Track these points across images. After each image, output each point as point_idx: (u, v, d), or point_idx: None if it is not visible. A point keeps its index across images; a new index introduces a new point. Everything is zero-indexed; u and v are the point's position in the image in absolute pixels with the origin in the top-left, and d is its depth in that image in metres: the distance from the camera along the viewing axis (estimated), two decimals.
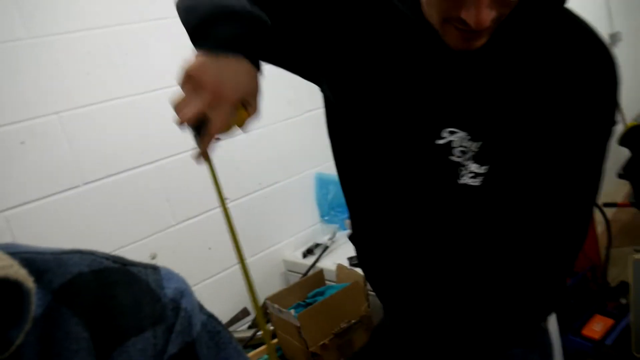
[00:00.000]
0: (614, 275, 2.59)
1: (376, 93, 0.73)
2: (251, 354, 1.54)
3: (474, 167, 0.67)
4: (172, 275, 0.35)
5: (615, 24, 3.96)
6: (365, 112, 0.75)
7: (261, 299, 1.69)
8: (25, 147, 1.39)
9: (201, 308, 0.33)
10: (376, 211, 0.83)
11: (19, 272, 0.24)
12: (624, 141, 2.63)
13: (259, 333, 1.62)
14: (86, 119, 1.48)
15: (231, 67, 0.65)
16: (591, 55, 0.65)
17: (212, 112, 0.64)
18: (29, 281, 0.24)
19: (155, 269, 0.34)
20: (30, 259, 0.25)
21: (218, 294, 1.75)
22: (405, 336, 0.87)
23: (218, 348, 0.32)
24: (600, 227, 2.63)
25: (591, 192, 0.71)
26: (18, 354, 0.24)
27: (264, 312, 1.67)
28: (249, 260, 1.85)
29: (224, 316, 1.73)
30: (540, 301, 0.76)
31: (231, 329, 1.71)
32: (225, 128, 0.67)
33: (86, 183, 1.48)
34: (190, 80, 0.64)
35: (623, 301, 2.21)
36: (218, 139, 0.67)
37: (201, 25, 0.67)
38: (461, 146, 0.67)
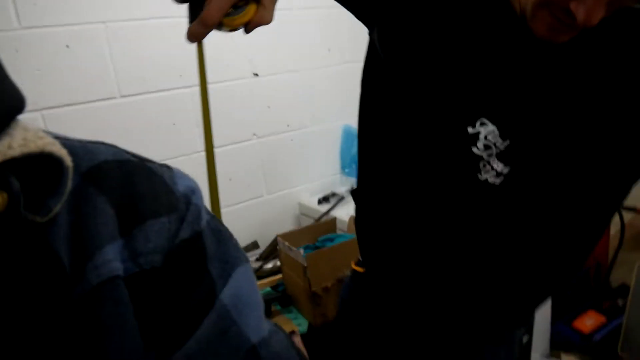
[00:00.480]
0: (616, 277, 2.61)
1: (428, 59, 0.67)
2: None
3: (499, 166, 0.64)
4: (183, 175, 0.38)
5: None
6: (409, 75, 0.69)
7: (272, 235, 1.75)
8: (69, 51, 1.42)
9: (206, 208, 0.37)
10: (387, 176, 0.78)
11: (62, 151, 0.26)
12: None
13: (266, 266, 1.69)
14: (130, 33, 1.50)
15: None
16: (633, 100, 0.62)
17: None
18: (68, 160, 0.26)
19: (169, 168, 0.36)
20: (61, 143, 0.27)
21: (231, 224, 1.80)
22: (385, 309, 0.84)
23: (219, 242, 0.35)
24: (614, 228, 2.62)
25: (612, 208, 0.69)
26: (54, 221, 0.27)
27: (274, 248, 1.74)
28: (266, 197, 1.91)
29: (242, 243, 1.81)
30: (533, 296, 0.76)
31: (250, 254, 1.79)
32: (223, 19, 0.54)
33: (123, 96, 1.52)
34: None
35: (620, 302, 2.23)
36: (211, 26, 0.54)
37: None
38: (487, 139, 0.64)
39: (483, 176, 0.64)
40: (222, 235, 0.36)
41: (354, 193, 0.89)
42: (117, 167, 0.31)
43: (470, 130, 0.63)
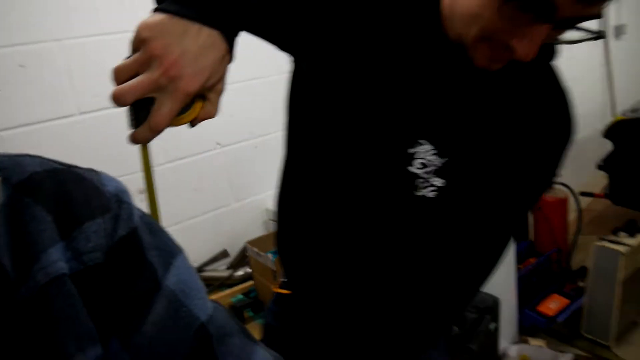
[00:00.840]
0: (577, 260, 2.72)
1: (361, 82, 0.67)
2: (227, 292, 1.64)
3: (437, 181, 0.66)
4: (110, 177, 0.39)
5: (622, 16, 3.94)
6: (345, 102, 0.68)
7: (242, 242, 1.76)
8: (24, 70, 1.40)
9: (136, 206, 0.39)
10: (313, 197, 0.76)
11: None
12: (608, 134, 2.70)
13: (236, 273, 1.71)
14: (87, 49, 1.49)
15: (201, 42, 0.51)
16: (555, 117, 0.68)
17: (161, 96, 0.50)
18: None
19: (96, 172, 0.38)
20: None
21: (200, 234, 1.82)
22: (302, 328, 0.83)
23: (153, 233, 0.38)
24: (573, 214, 2.74)
25: (506, 232, 0.73)
26: None
27: (244, 255, 1.76)
28: (233, 205, 1.92)
29: (204, 255, 1.81)
30: (429, 327, 0.78)
31: (210, 267, 1.80)
32: (172, 121, 0.52)
33: (82, 113, 1.51)
34: (144, 45, 0.50)
35: (581, 284, 2.34)
36: (160, 131, 0.52)
37: None
38: (424, 158, 0.65)
39: (420, 192, 0.66)
40: (155, 227, 0.39)
41: (277, 215, 0.86)
42: (48, 177, 0.33)
43: (410, 150, 0.65)
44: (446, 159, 0.65)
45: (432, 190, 0.66)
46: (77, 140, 1.51)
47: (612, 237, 2.11)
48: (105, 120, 1.54)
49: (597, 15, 0.52)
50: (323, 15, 0.66)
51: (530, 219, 2.78)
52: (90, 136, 1.53)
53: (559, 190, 2.71)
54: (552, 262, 2.60)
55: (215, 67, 0.53)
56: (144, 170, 0.55)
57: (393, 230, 0.71)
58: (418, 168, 0.65)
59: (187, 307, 0.37)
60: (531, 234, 2.80)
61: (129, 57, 0.51)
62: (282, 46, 0.71)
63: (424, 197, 0.66)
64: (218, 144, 1.79)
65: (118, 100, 0.49)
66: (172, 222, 1.75)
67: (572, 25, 0.53)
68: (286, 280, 0.86)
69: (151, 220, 0.39)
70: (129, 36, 0.54)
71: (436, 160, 0.65)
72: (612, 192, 2.78)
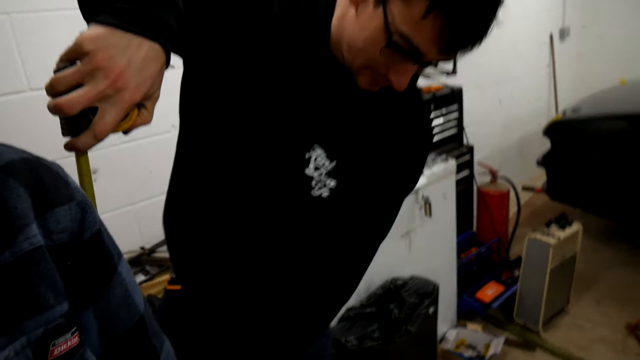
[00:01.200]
0: (516, 251, 2.90)
1: (261, 93, 0.72)
2: None
3: (330, 181, 0.75)
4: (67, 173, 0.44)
5: (567, 19, 4.15)
6: (244, 107, 0.73)
7: None
8: None
9: None
10: (206, 194, 0.80)
11: None
12: (547, 132, 2.88)
13: None
14: (38, 24, 1.46)
15: (143, 54, 0.53)
16: (418, 130, 0.82)
17: (104, 106, 0.52)
18: None
19: (58, 165, 0.42)
20: None
21: (152, 216, 1.82)
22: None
23: (107, 235, 0.43)
24: (513, 207, 2.91)
25: (385, 223, 0.83)
26: None
27: None
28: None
29: (156, 237, 1.82)
30: (310, 325, 0.85)
31: (162, 249, 1.81)
32: (113, 130, 0.54)
33: (32, 89, 1.48)
34: (88, 56, 0.50)
35: (516, 273, 2.50)
36: (103, 139, 0.53)
37: None
38: (316, 161, 0.74)
39: (316, 192, 0.75)
40: (106, 228, 0.45)
41: (166, 214, 0.91)
42: (24, 164, 0.37)
43: (307, 155, 0.74)
44: (335, 161, 0.75)
45: (327, 190, 0.75)
46: (27, 117, 1.49)
47: (544, 230, 2.27)
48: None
49: (453, 59, 0.66)
50: (228, 24, 0.70)
51: (474, 211, 2.93)
52: (40, 113, 1.50)
53: (501, 185, 2.87)
54: (492, 252, 2.76)
55: (156, 77, 0.56)
56: (83, 176, 0.56)
57: (287, 229, 0.78)
58: (314, 170, 0.74)
59: (132, 298, 0.44)
60: (474, 226, 2.96)
61: (63, 67, 0.52)
62: (186, 53, 0.73)
63: (319, 197, 0.75)
64: (173, 126, 1.79)
65: (64, 110, 0.50)
66: (126, 203, 1.75)
67: (434, 65, 0.67)
68: (175, 276, 0.88)
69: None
70: (79, 13, 0.55)
71: (327, 163, 0.75)
72: (549, 188, 2.96)
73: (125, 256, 0.45)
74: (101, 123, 0.52)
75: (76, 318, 0.38)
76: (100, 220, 0.43)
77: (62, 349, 0.35)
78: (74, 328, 0.37)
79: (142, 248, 1.76)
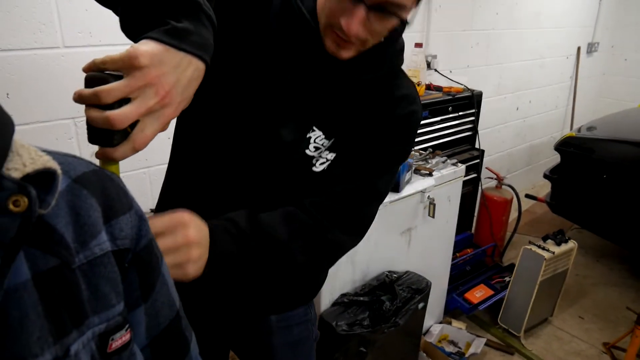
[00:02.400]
0: (510, 257, 2.96)
1: (256, 78, 0.78)
2: None
3: (329, 155, 0.82)
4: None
5: (597, 36, 4.11)
6: (240, 92, 0.79)
7: None
8: None
9: None
10: (212, 173, 0.85)
11: (55, 164, 0.35)
12: (558, 147, 2.90)
13: None
14: None
15: (190, 73, 0.56)
16: (406, 109, 0.85)
17: (147, 119, 0.53)
18: (59, 169, 0.36)
19: (117, 175, 0.47)
20: (52, 157, 0.36)
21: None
22: None
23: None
24: (514, 213, 2.95)
25: (375, 189, 0.86)
26: (56, 212, 0.36)
27: None
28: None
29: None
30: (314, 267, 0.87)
31: None
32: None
33: (67, 47, 1.52)
34: (141, 71, 0.51)
35: (507, 279, 2.56)
36: (140, 150, 0.54)
37: (162, 6, 0.55)
38: (316, 142, 0.81)
39: (318, 168, 0.82)
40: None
41: (165, 187, 0.96)
42: (93, 176, 0.42)
43: (308, 135, 0.80)
44: (333, 139, 0.82)
45: (325, 162, 0.82)
46: (59, 73, 1.53)
47: (540, 243, 2.33)
48: (89, 57, 1.54)
49: (401, 5, 0.68)
50: (231, 23, 0.77)
51: (475, 213, 2.98)
52: (73, 71, 1.55)
53: (505, 191, 2.91)
54: (486, 255, 2.82)
55: (193, 92, 0.58)
56: None
57: (290, 202, 0.82)
58: (314, 149, 0.81)
59: (171, 295, 0.49)
60: (473, 227, 3.01)
61: (100, 73, 0.52)
62: None
63: (321, 171, 0.82)
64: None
65: (115, 125, 0.50)
66: (142, 166, 1.81)
67: (382, 9, 0.68)
68: None
69: None
70: None
71: (327, 142, 0.82)
72: (551, 201, 3.00)
73: None
74: (142, 135, 0.53)
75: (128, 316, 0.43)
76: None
77: (118, 344, 0.40)
78: (127, 325, 0.42)
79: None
